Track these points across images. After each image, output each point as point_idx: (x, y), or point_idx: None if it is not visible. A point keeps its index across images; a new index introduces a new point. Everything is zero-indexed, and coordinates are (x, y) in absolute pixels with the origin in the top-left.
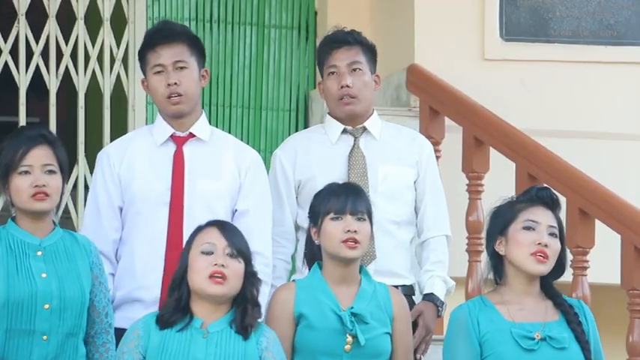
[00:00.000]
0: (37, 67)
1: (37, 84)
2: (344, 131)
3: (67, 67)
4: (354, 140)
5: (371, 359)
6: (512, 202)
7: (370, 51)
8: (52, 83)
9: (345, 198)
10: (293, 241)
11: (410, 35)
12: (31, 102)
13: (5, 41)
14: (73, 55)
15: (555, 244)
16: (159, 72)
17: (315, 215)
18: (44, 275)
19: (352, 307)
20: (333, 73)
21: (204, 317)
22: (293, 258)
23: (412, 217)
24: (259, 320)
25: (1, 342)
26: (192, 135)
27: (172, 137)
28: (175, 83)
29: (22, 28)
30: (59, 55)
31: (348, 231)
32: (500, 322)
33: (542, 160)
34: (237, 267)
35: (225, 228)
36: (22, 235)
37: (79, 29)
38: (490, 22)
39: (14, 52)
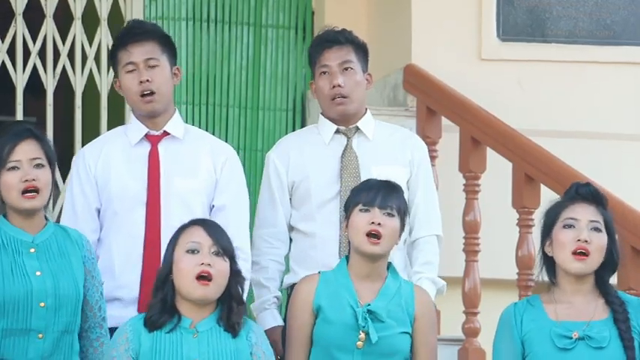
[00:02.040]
0: (34, 67)
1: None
2: (337, 131)
3: (64, 67)
4: (347, 140)
5: (384, 358)
6: (558, 203)
7: (362, 50)
8: (49, 83)
9: (376, 191)
10: (286, 242)
11: (407, 35)
12: (27, 102)
13: (2, 41)
14: (70, 55)
15: (598, 239)
16: (131, 70)
17: (346, 207)
18: (38, 273)
19: (369, 304)
20: (324, 72)
21: (192, 316)
22: (286, 259)
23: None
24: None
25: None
26: (166, 133)
27: (147, 136)
28: (147, 80)
29: (19, 27)
30: (56, 54)
31: (372, 222)
32: (542, 321)
33: (539, 160)
34: (222, 266)
35: (210, 226)
36: (14, 233)
37: (77, 29)
38: (487, 22)
39: (11, 52)
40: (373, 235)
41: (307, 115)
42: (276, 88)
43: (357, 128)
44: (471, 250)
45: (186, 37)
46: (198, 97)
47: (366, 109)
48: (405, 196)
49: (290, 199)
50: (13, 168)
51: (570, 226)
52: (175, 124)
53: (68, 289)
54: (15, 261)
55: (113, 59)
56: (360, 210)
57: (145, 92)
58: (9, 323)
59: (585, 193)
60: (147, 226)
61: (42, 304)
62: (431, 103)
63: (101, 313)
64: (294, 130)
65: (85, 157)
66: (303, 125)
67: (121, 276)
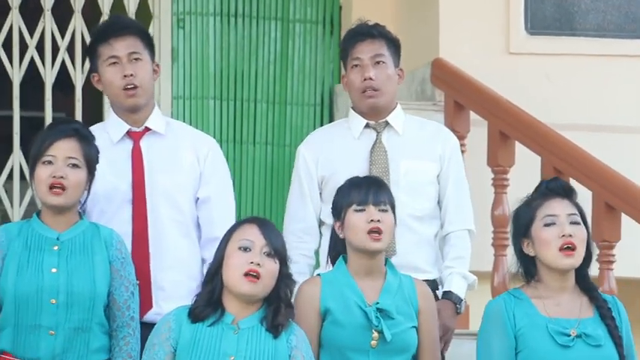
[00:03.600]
0: (63, 63)
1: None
2: (367, 126)
3: None
4: (377, 135)
5: (398, 354)
6: (528, 202)
7: (394, 45)
8: (78, 78)
9: (367, 189)
10: (316, 237)
11: (434, 29)
12: (56, 97)
13: (31, 37)
14: None
15: (580, 231)
16: (113, 63)
17: (338, 209)
18: (54, 270)
19: (378, 302)
20: (356, 65)
21: (236, 313)
22: (316, 254)
23: (436, 211)
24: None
25: (10, 336)
26: (147, 129)
27: (128, 133)
28: (131, 74)
29: (47, 23)
30: (85, 50)
31: (372, 221)
32: (536, 317)
33: (567, 154)
34: (272, 267)
35: (265, 226)
36: (41, 230)
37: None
38: (515, 16)
39: (40, 48)
40: (374, 232)
41: (335, 110)
42: (303, 82)
43: (387, 123)
44: (499, 244)
45: (214, 32)
46: (226, 92)
47: (397, 104)
48: (436, 190)
49: (320, 193)
50: (48, 162)
51: (551, 224)
52: (156, 119)
53: (82, 286)
54: (34, 257)
55: (92, 53)
56: (355, 210)
57: (129, 86)
58: (20, 319)
59: (557, 188)
60: (134, 224)
61: (53, 301)
62: (459, 97)
63: (130, 312)
64: (321, 124)
65: None
66: (330, 120)
67: None
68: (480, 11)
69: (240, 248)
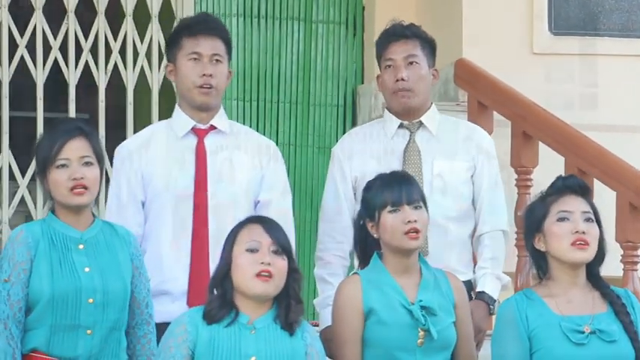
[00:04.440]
0: (87, 64)
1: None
2: (400, 126)
3: (115, 64)
4: (410, 135)
5: (442, 351)
6: (543, 197)
7: (429, 45)
8: (101, 79)
9: (399, 188)
10: (350, 238)
11: (458, 29)
12: (80, 99)
13: (55, 38)
14: (122, 52)
15: (593, 229)
16: (194, 59)
17: (371, 209)
18: (87, 269)
19: (421, 300)
20: (389, 66)
21: (249, 313)
22: (351, 255)
23: (470, 212)
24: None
25: (46, 337)
26: (212, 127)
27: (193, 129)
28: (211, 75)
29: (71, 24)
30: (108, 51)
31: (409, 222)
32: (549, 316)
33: (591, 155)
34: (281, 264)
35: (269, 225)
36: (63, 229)
37: (128, 25)
38: (539, 16)
39: (63, 49)
40: (412, 231)
41: (358, 111)
42: (326, 83)
43: (421, 123)
44: (523, 245)
45: (237, 33)
46: (249, 93)
47: (432, 104)
48: (470, 190)
49: (355, 193)
50: (62, 166)
51: (564, 219)
52: (221, 118)
53: (116, 285)
54: (64, 257)
55: (173, 45)
56: (390, 211)
57: (205, 85)
58: (58, 319)
59: (573, 185)
60: (194, 220)
61: (90, 300)
62: (482, 97)
63: (148, 309)
64: (344, 125)
65: (129, 150)
66: (353, 121)
67: (169, 270)
68: (503, 11)
69: (247, 250)
